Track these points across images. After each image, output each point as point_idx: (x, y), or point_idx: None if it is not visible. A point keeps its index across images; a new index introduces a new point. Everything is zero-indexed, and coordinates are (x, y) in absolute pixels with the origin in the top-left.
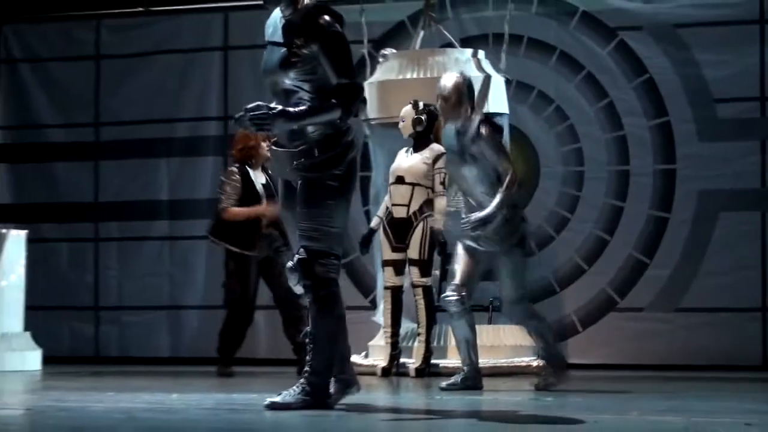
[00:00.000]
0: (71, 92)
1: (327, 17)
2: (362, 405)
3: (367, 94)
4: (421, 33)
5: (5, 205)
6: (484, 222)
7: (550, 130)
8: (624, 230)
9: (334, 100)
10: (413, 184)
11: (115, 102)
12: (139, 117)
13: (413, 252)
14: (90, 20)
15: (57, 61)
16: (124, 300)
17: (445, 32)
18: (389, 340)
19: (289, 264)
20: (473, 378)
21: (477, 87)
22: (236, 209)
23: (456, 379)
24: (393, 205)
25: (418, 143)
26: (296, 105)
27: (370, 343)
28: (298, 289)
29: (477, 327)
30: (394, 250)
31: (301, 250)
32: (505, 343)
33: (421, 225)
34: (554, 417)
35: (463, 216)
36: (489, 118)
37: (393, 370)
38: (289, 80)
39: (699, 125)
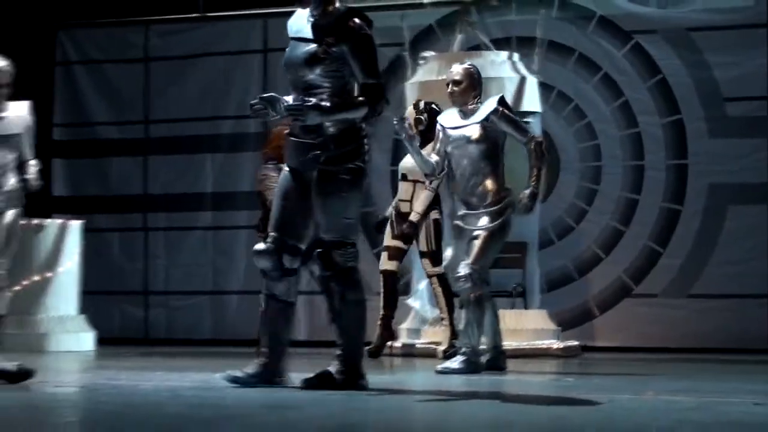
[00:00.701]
0: (122, 92)
1: (358, 20)
2: (391, 386)
3: (408, 93)
4: (459, 36)
5: (63, 197)
6: (534, 197)
7: (569, 128)
8: (639, 221)
9: (361, 98)
10: (414, 181)
11: (164, 101)
12: (185, 115)
13: (422, 245)
14: (140, 25)
15: (109, 63)
16: (170, 285)
17: (481, 36)
18: (378, 322)
19: (315, 252)
20: (474, 362)
21: (513, 88)
22: None
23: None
24: (399, 200)
25: (421, 142)
26: (320, 101)
27: (402, 326)
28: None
29: (500, 312)
30: (394, 237)
31: (319, 241)
32: (527, 326)
33: (424, 219)
34: (573, 397)
35: (455, 199)
36: (504, 99)
37: (384, 351)
38: (313, 75)
39: (709, 123)
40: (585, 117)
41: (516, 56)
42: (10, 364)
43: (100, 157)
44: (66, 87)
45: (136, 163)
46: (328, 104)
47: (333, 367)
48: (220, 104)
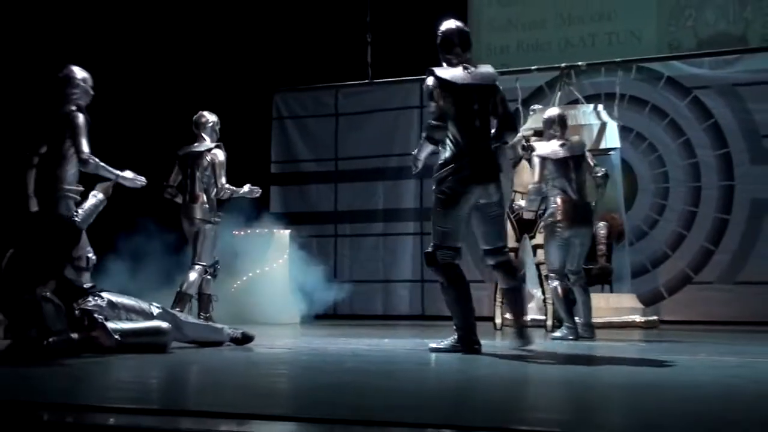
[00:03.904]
0: (319, 138)
1: (427, 78)
2: (509, 349)
3: (522, 135)
4: (559, 93)
5: (277, 213)
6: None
7: (644, 159)
8: (697, 227)
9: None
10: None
11: (348, 144)
12: (364, 154)
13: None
14: (331, 89)
15: (309, 117)
16: (353, 276)
17: (576, 92)
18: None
19: (424, 252)
20: (575, 332)
21: (596, 130)
22: None
23: (562, 332)
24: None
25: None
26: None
27: (529, 306)
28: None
29: (600, 295)
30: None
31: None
32: (623, 305)
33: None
34: (646, 357)
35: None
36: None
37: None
38: None
39: (751, 154)
40: (656, 151)
41: (600, 107)
42: (236, 332)
43: (303, 185)
44: (279, 135)
45: (329, 188)
46: (415, 150)
47: (453, 337)
48: (388, 146)
